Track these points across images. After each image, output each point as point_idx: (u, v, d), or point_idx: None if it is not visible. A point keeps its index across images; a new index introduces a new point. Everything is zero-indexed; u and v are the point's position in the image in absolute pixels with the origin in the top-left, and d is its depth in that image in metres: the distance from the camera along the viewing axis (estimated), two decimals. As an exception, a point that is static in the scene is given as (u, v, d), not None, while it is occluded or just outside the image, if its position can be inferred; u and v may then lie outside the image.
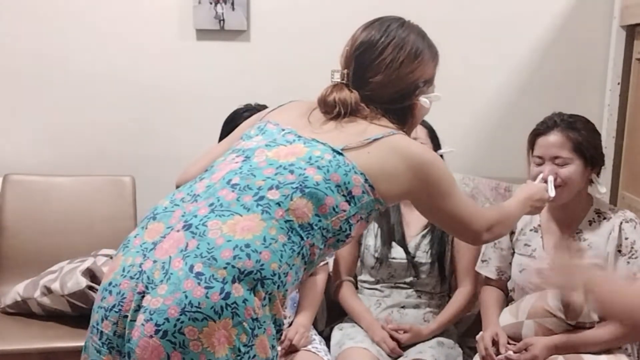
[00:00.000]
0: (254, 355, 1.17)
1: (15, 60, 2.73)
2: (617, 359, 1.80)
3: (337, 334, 2.15)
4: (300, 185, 1.26)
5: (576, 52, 2.75)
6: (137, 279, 1.19)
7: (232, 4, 2.67)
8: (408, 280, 2.18)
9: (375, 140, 1.34)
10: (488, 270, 2.08)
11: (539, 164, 1.87)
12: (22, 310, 2.25)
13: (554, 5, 2.72)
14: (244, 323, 1.15)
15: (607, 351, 1.81)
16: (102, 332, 1.22)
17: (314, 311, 2.11)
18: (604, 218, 1.87)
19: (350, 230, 1.32)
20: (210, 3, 2.67)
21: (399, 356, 2.06)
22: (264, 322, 1.18)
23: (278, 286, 1.20)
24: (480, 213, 1.47)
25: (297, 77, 2.76)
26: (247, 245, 1.19)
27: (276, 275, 1.20)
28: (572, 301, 1.78)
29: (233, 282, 1.15)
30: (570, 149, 1.84)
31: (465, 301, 2.17)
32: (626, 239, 1.81)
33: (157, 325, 1.13)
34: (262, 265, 1.18)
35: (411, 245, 2.19)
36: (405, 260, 2.16)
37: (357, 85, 1.40)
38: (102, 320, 1.22)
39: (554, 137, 1.86)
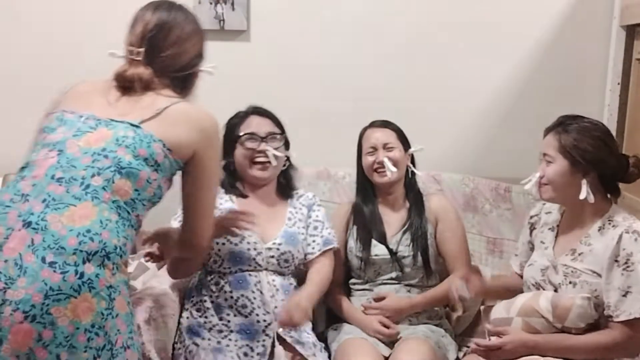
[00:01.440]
0: (117, 314, 1.38)
1: (14, 60, 2.73)
2: None
3: (332, 333, 2.19)
4: (117, 167, 1.46)
5: (576, 52, 2.75)
6: None
7: (232, 4, 2.67)
8: (394, 275, 2.21)
9: (165, 109, 1.56)
10: (514, 264, 2.12)
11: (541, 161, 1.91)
12: (21, 310, 2.25)
13: (554, 5, 2.73)
14: (101, 292, 1.36)
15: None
16: None
17: (317, 290, 2.09)
18: (613, 226, 1.82)
19: (161, 191, 1.57)
20: (210, 3, 2.67)
21: (395, 341, 2.09)
22: (118, 286, 1.40)
23: (120, 255, 1.43)
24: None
25: (296, 77, 2.77)
26: (88, 231, 1.38)
27: (117, 248, 1.41)
28: (560, 304, 1.78)
29: (84, 262, 1.35)
30: (556, 148, 1.84)
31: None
32: (624, 249, 1.75)
33: (24, 312, 1.29)
34: (105, 244, 1.39)
35: (392, 242, 2.22)
36: (387, 256, 2.20)
37: (150, 61, 1.60)
38: None
39: (548, 137, 1.88)
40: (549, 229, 1.97)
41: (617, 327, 1.75)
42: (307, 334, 2.07)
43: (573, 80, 2.77)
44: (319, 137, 2.80)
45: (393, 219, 2.26)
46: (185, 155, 1.57)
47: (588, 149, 1.82)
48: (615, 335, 1.75)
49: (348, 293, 2.30)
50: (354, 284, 2.28)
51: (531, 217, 2.06)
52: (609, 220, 1.83)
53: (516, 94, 2.78)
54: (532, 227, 2.05)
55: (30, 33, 2.71)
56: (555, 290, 1.86)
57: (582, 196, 1.81)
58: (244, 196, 2.18)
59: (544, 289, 1.89)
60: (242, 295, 2.03)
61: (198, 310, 2.07)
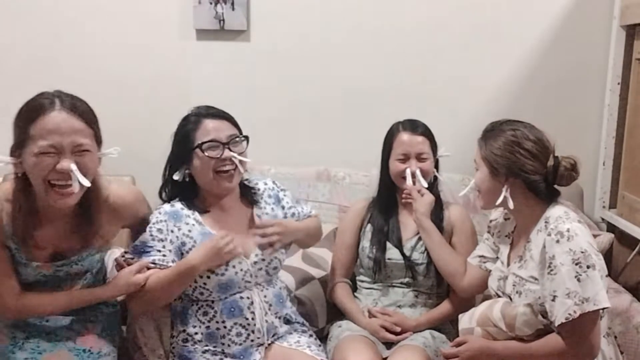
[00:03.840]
0: None
1: (14, 60, 2.73)
2: None
3: (335, 330, 2.16)
4: None
5: (576, 52, 2.75)
6: None
7: (232, 4, 2.67)
8: (405, 280, 2.19)
9: None
10: (471, 258, 2.07)
11: None
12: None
13: (554, 5, 2.73)
14: None
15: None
16: None
17: (303, 227, 2.10)
18: (546, 228, 1.75)
19: None
20: (210, 3, 2.67)
21: (393, 343, 2.07)
22: None
23: None
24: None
25: (296, 77, 2.77)
26: None
27: None
28: (507, 313, 1.77)
29: None
30: (479, 155, 1.85)
31: (460, 301, 2.14)
32: (547, 253, 1.70)
33: None
34: None
35: (407, 246, 2.19)
36: (401, 261, 2.17)
37: None
38: None
39: (478, 143, 1.88)
40: (506, 236, 1.95)
41: (560, 332, 1.71)
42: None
43: (573, 80, 2.77)
44: (319, 137, 2.80)
45: (410, 221, 2.21)
46: None
47: (502, 154, 1.79)
48: (560, 340, 1.70)
49: (354, 288, 2.28)
50: (362, 281, 2.26)
51: (490, 221, 2.04)
52: (545, 223, 1.76)
53: (516, 93, 2.78)
54: (491, 232, 2.02)
55: (31, 33, 2.71)
56: (511, 299, 1.84)
57: (497, 202, 1.79)
58: (206, 211, 1.98)
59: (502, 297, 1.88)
60: (236, 324, 1.93)
61: (185, 341, 1.96)
